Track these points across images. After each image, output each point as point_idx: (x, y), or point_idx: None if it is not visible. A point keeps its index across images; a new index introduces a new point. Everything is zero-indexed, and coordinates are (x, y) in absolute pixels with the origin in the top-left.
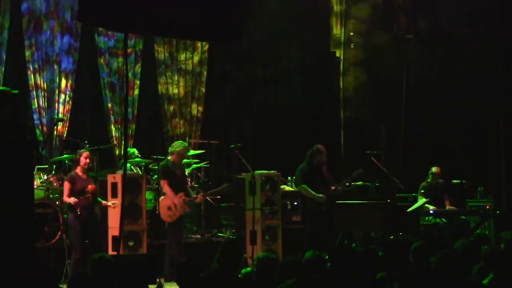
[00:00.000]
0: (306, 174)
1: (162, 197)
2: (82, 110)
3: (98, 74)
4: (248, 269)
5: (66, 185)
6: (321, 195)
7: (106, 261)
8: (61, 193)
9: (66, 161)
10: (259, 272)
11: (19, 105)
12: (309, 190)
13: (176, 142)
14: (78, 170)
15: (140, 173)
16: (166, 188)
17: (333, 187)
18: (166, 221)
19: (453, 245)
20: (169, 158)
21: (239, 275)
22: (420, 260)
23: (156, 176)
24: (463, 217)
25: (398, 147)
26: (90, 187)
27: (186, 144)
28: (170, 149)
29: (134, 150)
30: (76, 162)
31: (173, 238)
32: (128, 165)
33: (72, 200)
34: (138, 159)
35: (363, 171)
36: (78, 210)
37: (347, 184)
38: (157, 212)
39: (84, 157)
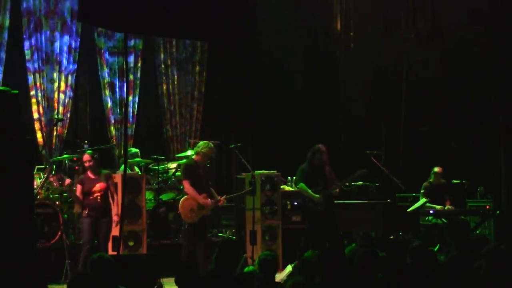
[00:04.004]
0: (306, 173)
1: (185, 197)
2: (82, 110)
3: (98, 74)
4: (251, 267)
5: (78, 187)
6: (317, 195)
7: (106, 261)
8: (61, 193)
9: (66, 161)
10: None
11: (19, 105)
12: (306, 189)
13: (202, 142)
14: (88, 171)
15: (140, 173)
16: (189, 188)
17: (330, 187)
18: (187, 221)
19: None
20: (193, 157)
21: (239, 275)
22: (417, 261)
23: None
24: (463, 217)
25: (398, 147)
26: (98, 186)
27: (212, 145)
28: (195, 149)
29: (137, 150)
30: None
31: (188, 239)
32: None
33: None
34: (138, 159)
35: (365, 172)
36: (87, 210)
37: (347, 184)
38: (178, 212)
39: (83, 162)
